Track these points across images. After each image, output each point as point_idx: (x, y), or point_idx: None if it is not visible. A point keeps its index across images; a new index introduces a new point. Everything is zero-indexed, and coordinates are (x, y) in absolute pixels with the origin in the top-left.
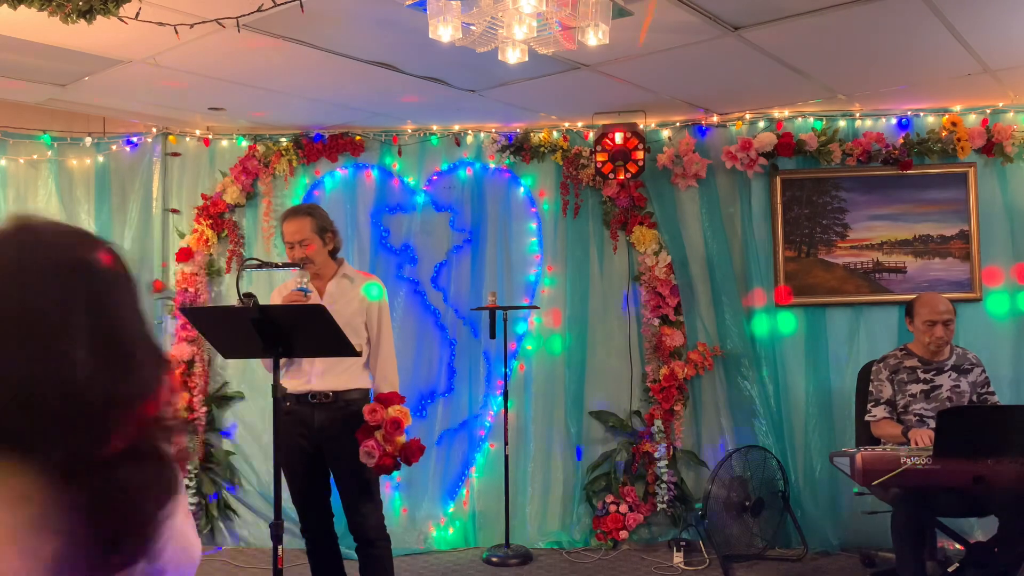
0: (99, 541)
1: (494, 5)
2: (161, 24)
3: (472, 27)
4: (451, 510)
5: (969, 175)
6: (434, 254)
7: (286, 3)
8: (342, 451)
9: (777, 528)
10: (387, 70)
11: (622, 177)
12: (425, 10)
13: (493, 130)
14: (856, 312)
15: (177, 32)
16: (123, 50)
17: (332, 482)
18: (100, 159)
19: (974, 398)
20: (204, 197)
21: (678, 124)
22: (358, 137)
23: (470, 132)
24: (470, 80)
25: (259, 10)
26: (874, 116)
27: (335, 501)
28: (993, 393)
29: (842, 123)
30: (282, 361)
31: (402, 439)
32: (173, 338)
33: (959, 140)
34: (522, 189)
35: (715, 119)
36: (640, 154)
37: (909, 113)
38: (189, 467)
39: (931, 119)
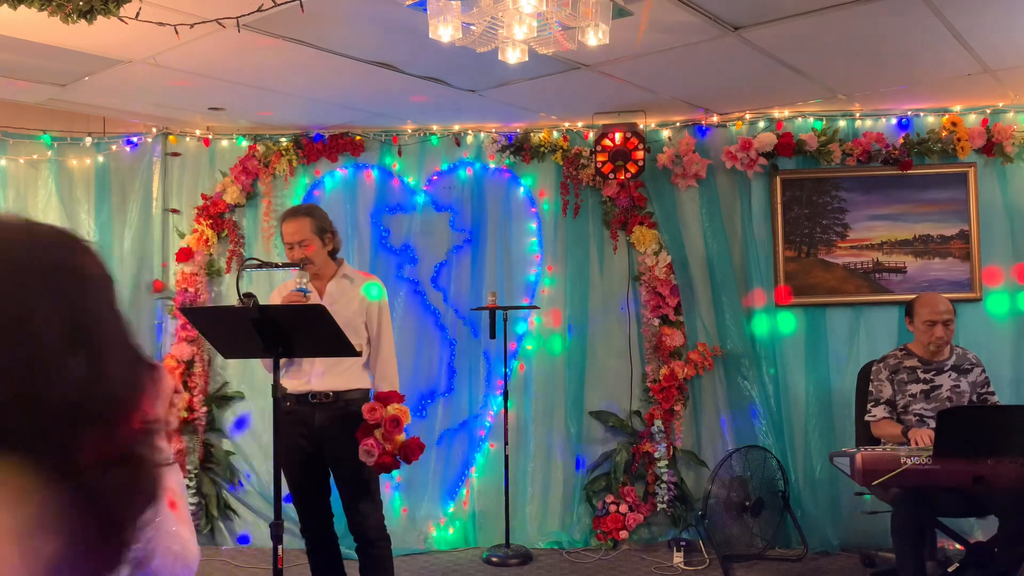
0: (89, 542)
1: (494, 5)
2: (161, 24)
3: (472, 27)
4: (451, 510)
5: (969, 175)
6: (434, 254)
7: (286, 3)
8: (342, 451)
9: (777, 528)
10: (387, 70)
11: (622, 177)
12: (425, 10)
13: (493, 130)
14: (856, 312)
15: (177, 32)
16: (123, 50)
17: (332, 482)
18: (100, 159)
19: (974, 398)
20: (204, 197)
21: (678, 124)
22: (358, 137)
23: (470, 132)
24: (470, 80)
25: (259, 10)
26: (874, 116)
27: (335, 501)
28: (993, 393)
29: (842, 123)
30: (282, 361)
31: (401, 437)
32: (173, 338)
33: (959, 140)
34: (522, 189)
35: (715, 119)
36: (640, 154)
37: (909, 113)
38: (189, 467)
39: (931, 119)
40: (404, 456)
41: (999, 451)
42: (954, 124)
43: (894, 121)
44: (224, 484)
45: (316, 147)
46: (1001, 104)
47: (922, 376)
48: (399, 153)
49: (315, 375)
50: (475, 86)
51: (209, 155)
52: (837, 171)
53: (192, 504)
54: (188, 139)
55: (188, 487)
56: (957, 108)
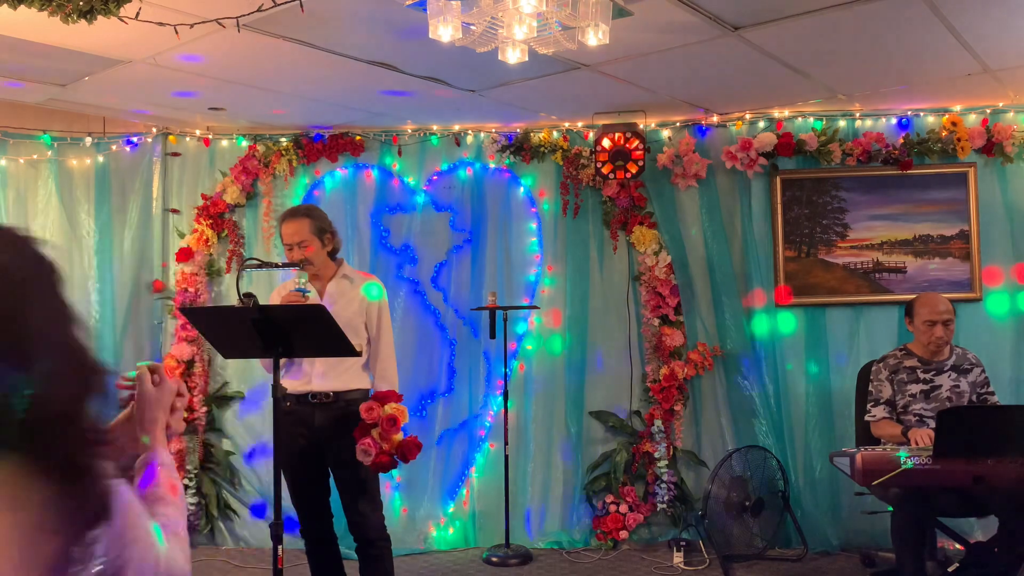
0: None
1: (494, 5)
2: (161, 24)
3: (472, 27)
4: (451, 510)
5: (969, 175)
6: (434, 254)
7: (286, 3)
8: (342, 451)
9: (777, 528)
10: (387, 70)
11: (622, 177)
12: (425, 10)
13: (493, 130)
14: (856, 312)
15: (177, 32)
16: (123, 50)
17: (332, 482)
18: (100, 159)
19: (974, 398)
20: (204, 197)
21: (678, 124)
22: (358, 137)
23: (470, 132)
24: (470, 80)
25: (259, 10)
26: (874, 116)
27: (335, 501)
28: (993, 393)
29: (842, 123)
30: (282, 361)
31: (399, 437)
32: (173, 338)
33: (959, 140)
34: (522, 189)
35: (715, 119)
36: (640, 154)
37: (909, 113)
38: (189, 467)
39: (931, 119)
40: (401, 455)
41: (999, 451)
42: (954, 124)
43: (894, 121)
44: (224, 484)
45: (316, 147)
46: (1001, 104)
47: (922, 376)
48: (399, 153)
49: (315, 375)
50: (475, 86)
51: (209, 155)
52: (837, 171)
53: (192, 504)
54: (188, 139)
55: (188, 487)
56: (957, 108)
